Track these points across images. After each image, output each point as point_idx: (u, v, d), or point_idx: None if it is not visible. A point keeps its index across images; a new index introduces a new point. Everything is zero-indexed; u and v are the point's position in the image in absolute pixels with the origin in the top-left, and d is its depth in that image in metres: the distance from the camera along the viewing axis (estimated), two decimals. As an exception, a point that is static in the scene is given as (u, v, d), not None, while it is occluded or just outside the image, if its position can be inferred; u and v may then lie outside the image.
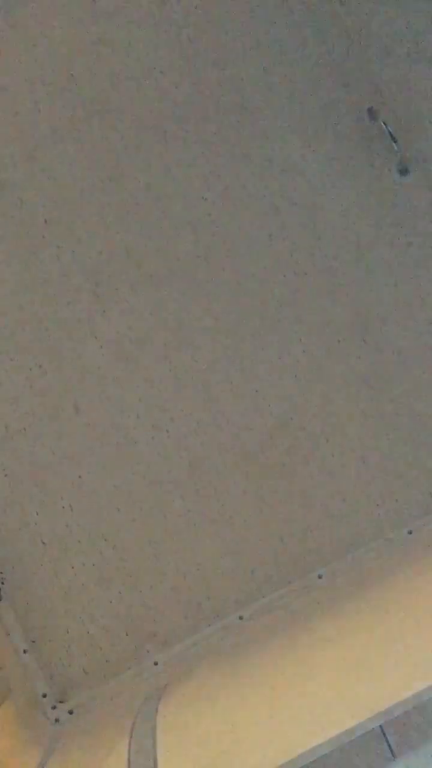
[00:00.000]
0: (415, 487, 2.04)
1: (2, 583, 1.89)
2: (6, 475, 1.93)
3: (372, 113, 2.07)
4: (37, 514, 1.93)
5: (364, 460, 2.03)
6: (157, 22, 2.04)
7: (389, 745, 1.30)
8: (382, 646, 1.46)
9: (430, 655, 1.33)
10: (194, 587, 1.94)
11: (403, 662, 1.35)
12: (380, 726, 1.31)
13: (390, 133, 2.04)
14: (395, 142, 2.04)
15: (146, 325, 2.00)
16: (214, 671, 1.74)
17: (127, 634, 1.91)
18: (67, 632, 1.90)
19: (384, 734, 1.32)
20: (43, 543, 1.92)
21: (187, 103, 2.05)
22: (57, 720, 1.85)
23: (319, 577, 1.97)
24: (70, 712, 1.86)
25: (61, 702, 1.87)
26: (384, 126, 2.04)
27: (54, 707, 1.86)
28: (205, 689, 1.66)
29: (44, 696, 1.86)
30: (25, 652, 1.87)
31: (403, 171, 2.07)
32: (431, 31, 2.13)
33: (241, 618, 1.93)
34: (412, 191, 2.11)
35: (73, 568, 1.92)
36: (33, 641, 1.89)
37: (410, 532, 2.01)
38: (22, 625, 1.89)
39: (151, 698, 1.70)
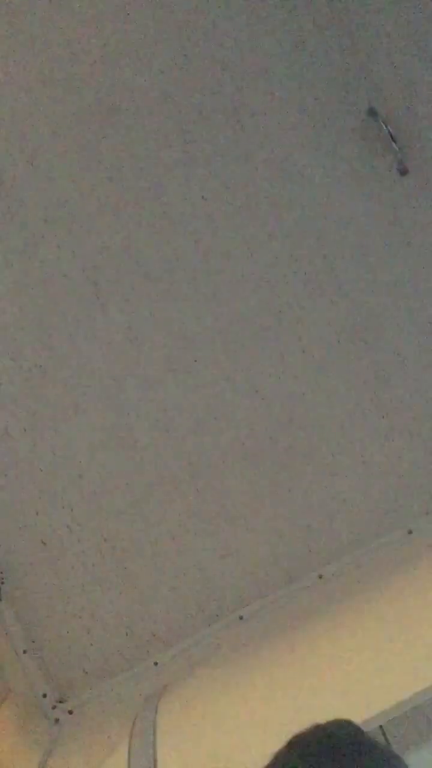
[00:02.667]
0: (415, 487, 2.04)
1: (2, 583, 1.89)
2: (6, 475, 1.93)
3: (372, 113, 2.07)
4: (37, 514, 1.93)
5: (364, 460, 2.03)
6: (158, 23, 2.04)
7: (389, 745, 1.30)
8: (381, 646, 1.46)
9: (429, 655, 1.34)
10: (194, 587, 1.94)
11: (402, 662, 1.35)
12: (380, 726, 1.31)
13: (390, 133, 2.04)
14: (395, 142, 2.04)
15: (146, 325, 2.00)
16: (214, 671, 1.75)
17: (127, 634, 1.91)
18: (67, 632, 1.90)
19: (384, 734, 1.32)
20: (43, 543, 1.92)
21: (187, 103, 2.05)
22: (57, 720, 1.85)
23: (319, 577, 1.97)
24: (70, 712, 1.86)
25: (61, 702, 1.87)
26: (384, 126, 2.04)
27: (54, 707, 1.86)
28: (205, 689, 1.66)
29: (44, 696, 1.86)
30: (25, 652, 1.87)
31: (403, 171, 2.06)
32: (431, 31, 2.13)
33: (241, 618, 1.93)
34: (412, 191, 2.11)
35: (73, 568, 1.92)
36: (33, 641, 1.89)
37: (410, 532, 2.01)
38: (22, 625, 1.89)
39: (151, 698, 1.69)
